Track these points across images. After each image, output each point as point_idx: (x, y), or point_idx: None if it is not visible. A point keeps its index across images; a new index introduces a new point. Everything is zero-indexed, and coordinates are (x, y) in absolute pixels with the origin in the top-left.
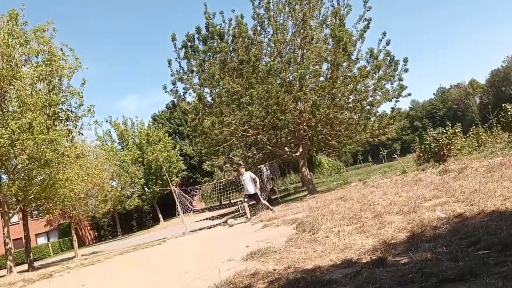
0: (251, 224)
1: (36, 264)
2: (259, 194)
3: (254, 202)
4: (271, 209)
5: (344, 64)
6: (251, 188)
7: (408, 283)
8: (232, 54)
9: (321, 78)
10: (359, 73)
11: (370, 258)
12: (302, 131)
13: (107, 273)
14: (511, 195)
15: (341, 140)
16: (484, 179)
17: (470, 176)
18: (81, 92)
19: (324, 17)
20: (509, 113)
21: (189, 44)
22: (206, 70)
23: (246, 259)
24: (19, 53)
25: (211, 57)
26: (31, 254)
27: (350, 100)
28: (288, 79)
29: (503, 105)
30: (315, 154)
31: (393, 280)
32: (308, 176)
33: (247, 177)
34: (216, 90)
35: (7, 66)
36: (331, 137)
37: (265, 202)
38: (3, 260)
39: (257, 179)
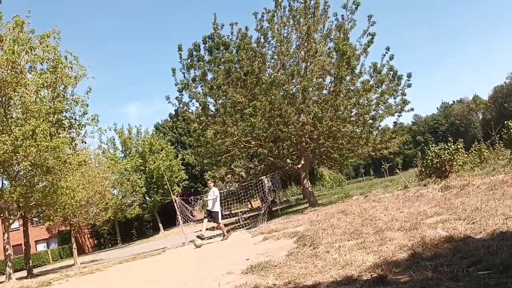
0: (251, 236)
1: (35, 271)
2: (220, 214)
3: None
4: (226, 235)
5: (347, 77)
6: (218, 206)
7: None
8: (236, 65)
9: (324, 91)
10: (362, 87)
11: (371, 275)
12: (304, 144)
13: (105, 282)
14: None
15: (343, 153)
16: (486, 196)
17: (471, 193)
18: (86, 100)
19: (328, 30)
20: (511, 130)
21: (194, 53)
22: (211, 80)
23: (246, 273)
24: (24, 60)
25: (216, 67)
26: (30, 261)
27: (352, 113)
28: (291, 91)
29: (505, 122)
30: (317, 166)
31: None
32: (310, 188)
33: (215, 192)
34: (221, 100)
35: (12, 72)
36: (333, 150)
37: (222, 226)
38: (2, 266)
39: (218, 199)
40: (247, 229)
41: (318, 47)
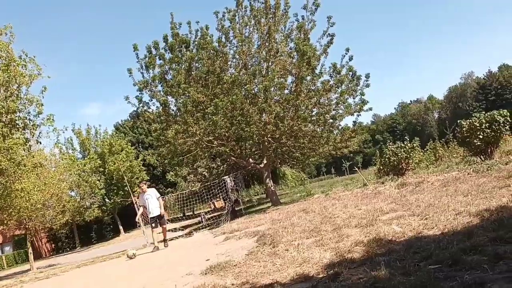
0: (213, 237)
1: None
2: (165, 216)
3: (160, 226)
4: (156, 245)
5: (308, 77)
6: (156, 209)
7: None
8: (197, 63)
9: (286, 91)
10: (322, 87)
11: (327, 272)
12: (266, 143)
13: (62, 287)
14: (464, 209)
15: (305, 152)
16: (439, 193)
17: (426, 190)
18: (41, 100)
19: (289, 31)
20: (464, 128)
21: (154, 51)
22: (171, 79)
23: (205, 273)
24: None
25: (176, 66)
26: None
27: (313, 113)
28: (253, 91)
29: (459, 121)
30: (279, 166)
31: None
32: (272, 187)
33: (151, 195)
34: (181, 99)
35: None
36: (295, 149)
37: (154, 234)
38: None
39: (161, 201)
40: (209, 229)
41: (279, 47)
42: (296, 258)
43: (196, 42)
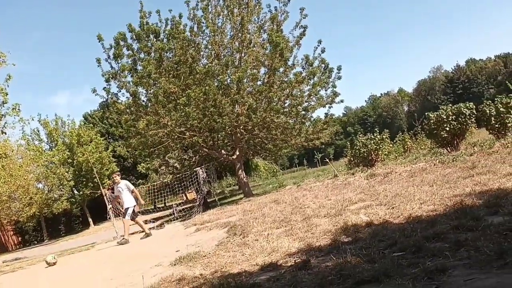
0: (185, 228)
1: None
2: (133, 209)
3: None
4: (126, 239)
5: (281, 69)
6: (130, 201)
7: (327, 285)
8: (168, 53)
9: (259, 82)
10: (295, 78)
11: (295, 261)
12: (239, 134)
13: (28, 280)
14: (428, 199)
15: (277, 144)
16: (406, 183)
17: (394, 181)
18: (5, 89)
19: (262, 22)
20: (431, 121)
21: (121, 42)
22: (140, 69)
23: (175, 264)
24: None
25: (146, 55)
26: None
27: (286, 104)
28: (226, 82)
29: (427, 113)
30: (251, 157)
31: (314, 283)
32: (245, 179)
33: (123, 187)
34: (152, 90)
35: None
36: (267, 140)
37: (126, 226)
38: None
39: (135, 190)
40: (181, 221)
41: (252, 38)
42: (265, 247)
43: (166, 32)
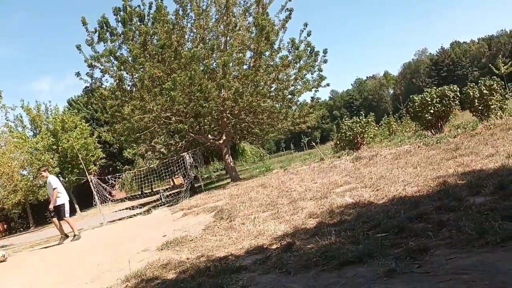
0: (172, 213)
1: None
2: (66, 207)
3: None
4: (77, 234)
5: (267, 53)
6: (63, 197)
7: (312, 266)
8: (153, 37)
9: (244, 66)
10: (281, 62)
11: (280, 244)
12: (225, 119)
13: (14, 267)
14: (412, 180)
15: (264, 128)
16: (391, 165)
17: (379, 163)
18: None
19: (247, 5)
20: (416, 103)
21: (105, 27)
22: (126, 53)
23: (161, 249)
24: None
25: (131, 40)
26: None
27: (272, 88)
28: (212, 66)
29: (411, 96)
30: (238, 142)
31: (299, 264)
32: (232, 163)
33: (51, 182)
34: (137, 74)
35: None
36: (254, 125)
37: (71, 222)
38: None
39: (61, 189)
40: (168, 206)
41: (238, 21)
42: (251, 231)
43: (151, 15)
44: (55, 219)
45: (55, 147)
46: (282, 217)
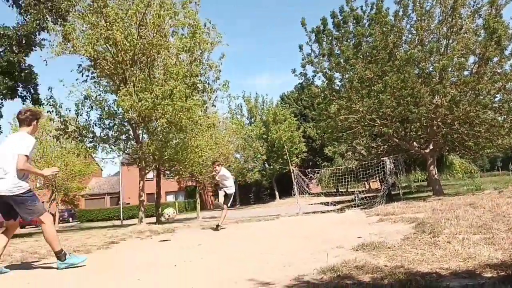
0: (366, 216)
1: (162, 218)
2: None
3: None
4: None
5: (495, 59)
6: (232, 186)
7: None
8: (368, 38)
9: (465, 72)
10: (511, 70)
11: (497, 273)
12: (435, 127)
13: (224, 237)
14: None
15: (480, 142)
16: None
17: None
18: (219, 66)
19: (478, 5)
20: None
21: (321, 28)
22: (338, 54)
23: (357, 250)
24: (168, 24)
25: (344, 41)
26: (160, 209)
27: (496, 99)
28: (427, 70)
29: None
30: (446, 153)
31: None
32: (436, 176)
33: (225, 174)
34: (348, 75)
35: (158, 36)
36: (468, 137)
37: (226, 214)
38: (135, 210)
39: (232, 181)
40: (361, 208)
41: (464, 23)
42: (459, 252)
43: (370, 16)
44: (226, 206)
45: (265, 136)
46: (499, 244)
